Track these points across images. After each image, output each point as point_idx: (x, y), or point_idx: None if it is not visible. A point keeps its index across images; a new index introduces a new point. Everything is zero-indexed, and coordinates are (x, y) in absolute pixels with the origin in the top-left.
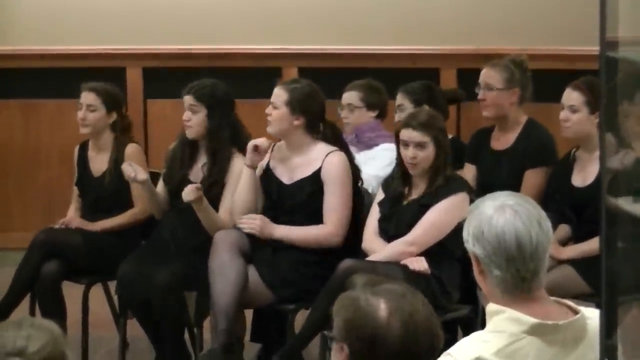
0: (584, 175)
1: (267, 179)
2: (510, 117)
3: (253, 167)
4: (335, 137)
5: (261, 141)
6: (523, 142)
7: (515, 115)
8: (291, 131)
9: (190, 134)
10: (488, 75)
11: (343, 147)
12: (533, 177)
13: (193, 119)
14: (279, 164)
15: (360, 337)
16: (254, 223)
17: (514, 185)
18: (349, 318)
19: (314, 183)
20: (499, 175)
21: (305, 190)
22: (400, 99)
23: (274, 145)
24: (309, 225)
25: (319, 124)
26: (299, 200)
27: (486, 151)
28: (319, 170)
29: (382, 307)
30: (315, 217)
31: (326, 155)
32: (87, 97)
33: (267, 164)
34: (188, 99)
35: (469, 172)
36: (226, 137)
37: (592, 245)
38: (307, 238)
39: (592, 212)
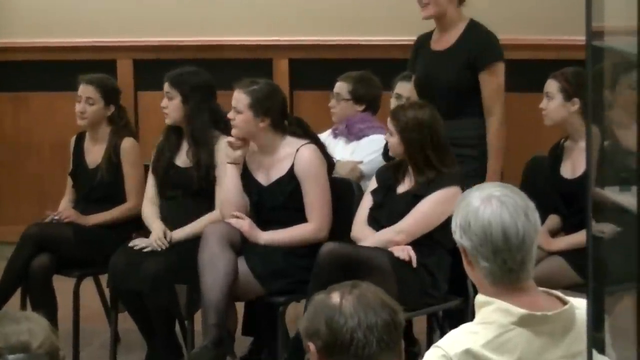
0: (572, 166)
1: (246, 181)
2: (448, 16)
3: (235, 163)
4: (303, 130)
5: (232, 139)
6: (464, 42)
7: (455, 15)
8: (258, 133)
9: (168, 120)
10: None
11: (312, 138)
12: (490, 77)
13: (170, 105)
14: (254, 166)
15: (318, 326)
16: (242, 226)
17: (453, 85)
18: (308, 317)
19: (291, 180)
20: (436, 75)
21: (284, 190)
22: (399, 88)
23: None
24: (293, 226)
25: (284, 121)
26: (279, 201)
27: (426, 53)
28: (292, 166)
29: (333, 296)
30: (299, 214)
31: (297, 151)
32: (86, 90)
33: (244, 167)
34: (165, 86)
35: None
36: (205, 122)
37: (582, 236)
38: (292, 240)
39: (582, 203)
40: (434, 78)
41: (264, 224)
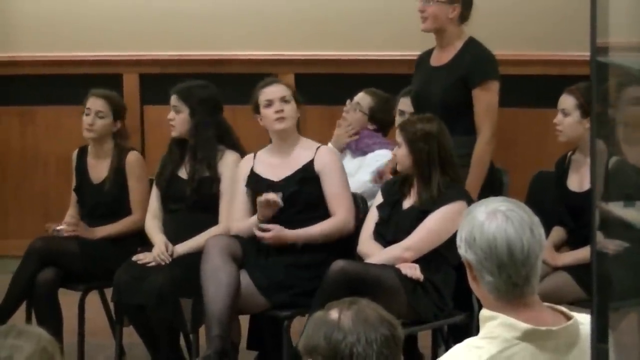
0: (580, 180)
1: (255, 184)
2: (448, 32)
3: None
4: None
5: (272, 196)
6: (460, 58)
7: (454, 31)
8: (295, 125)
9: (174, 132)
10: None
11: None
12: (482, 93)
13: (176, 118)
14: (261, 168)
15: (317, 342)
16: (267, 236)
17: (445, 100)
18: (307, 334)
19: (306, 172)
20: (430, 90)
21: (297, 180)
22: (402, 104)
23: (254, 155)
24: (317, 221)
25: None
26: (290, 190)
27: (424, 69)
28: (310, 163)
29: (331, 312)
30: (308, 207)
31: (317, 149)
32: (96, 103)
33: (251, 171)
34: (173, 99)
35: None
36: (210, 136)
37: (587, 251)
38: (323, 233)
39: (589, 217)
40: (428, 93)
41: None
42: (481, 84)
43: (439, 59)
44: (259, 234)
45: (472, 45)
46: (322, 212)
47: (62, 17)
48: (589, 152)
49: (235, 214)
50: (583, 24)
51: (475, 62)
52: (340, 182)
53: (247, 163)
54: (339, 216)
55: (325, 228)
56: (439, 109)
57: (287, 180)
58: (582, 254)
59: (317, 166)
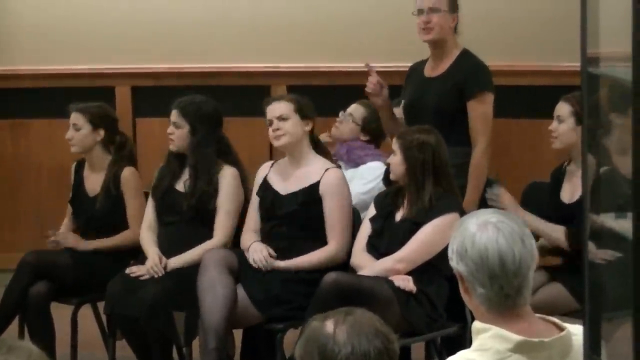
0: (572, 190)
1: (263, 192)
2: (448, 42)
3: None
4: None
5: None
6: (455, 69)
7: (452, 41)
8: (304, 138)
9: (173, 147)
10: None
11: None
12: (476, 105)
13: (176, 132)
14: (274, 177)
15: (312, 354)
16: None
17: (438, 109)
18: (301, 345)
19: (310, 194)
20: (423, 100)
21: (299, 201)
22: (397, 114)
23: (273, 163)
24: (311, 250)
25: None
26: (290, 209)
27: (417, 79)
28: (317, 184)
29: (327, 324)
30: (308, 227)
31: (325, 170)
32: (73, 117)
33: (264, 179)
34: (173, 114)
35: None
36: (209, 152)
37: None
38: (312, 265)
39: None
40: (422, 103)
41: (266, 238)
42: (476, 95)
43: (434, 70)
44: (252, 262)
45: (467, 56)
46: (321, 233)
47: (54, 30)
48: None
49: (248, 222)
50: (575, 34)
51: (471, 73)
52: (340, 208)
53: (263, 171)
54: (331, 247)
55: (314, 260)
56: (433, 117)
57: (292, 196)
58: (544, 226)
59: (321, 189)
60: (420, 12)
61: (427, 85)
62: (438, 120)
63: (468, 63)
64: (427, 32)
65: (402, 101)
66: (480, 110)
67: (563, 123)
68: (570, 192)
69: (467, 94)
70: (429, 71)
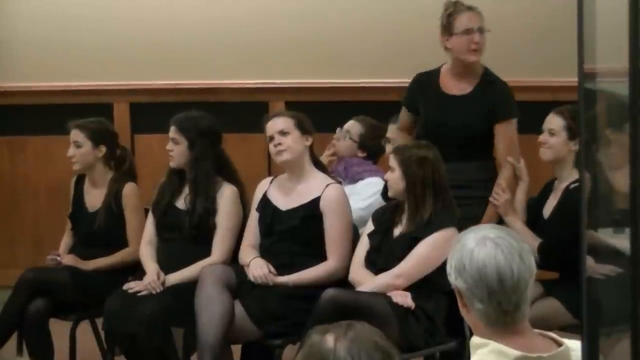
0: (550, 206)
1: (263, 209)
2: (478, 61)
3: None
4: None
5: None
6: (484, 88)
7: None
8: (305, 152)
9: (172, 163)
10: (476, 19)
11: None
12: (506, 130)
13: (175, 149)
14: (275, 193)
15: None
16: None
17: (471, 130)
18: (302, 358)
19: (310, 210)
20: (452, 119)
21: (300, 216)
22: (391, 131)
23: (272, 178)
24: (311, 266)
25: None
26: (290, 225)
27: (436, 95)
28: (317, 200)
29: (327, 338)
30: (308, 243)
31: (326, 186)
32: (73, 134)
33: (263, 195)
34: (172, 130)
35: (403, 116)
36: (208, 168)
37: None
38: (310, 280)
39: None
40: (450, 121)
41: (266, 254)
42: (506, 120)
43: (457, 88)
44: (252, 278)
45: (490, 75)
46: (321, 249)
47: (51, 47)
48: (570, 179)
49: (246, 237)
50: (573, 49)
51: (503, 97)
52: (340, 225)
53: (262, 186)
54: (330, 263)
55: (312, 277)
56: (459, 136)
57: (292, 212)
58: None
59: (322, 204)
60: (468, 31)
61: (452, 103)
62: (467, 138)
63: (497, 85)
64: (476, 53)
65: (399, 116)
66: (508, 135)
67: (555, 136)
68: (549, 208)
69: (497, 117)
70: (450, 88)
